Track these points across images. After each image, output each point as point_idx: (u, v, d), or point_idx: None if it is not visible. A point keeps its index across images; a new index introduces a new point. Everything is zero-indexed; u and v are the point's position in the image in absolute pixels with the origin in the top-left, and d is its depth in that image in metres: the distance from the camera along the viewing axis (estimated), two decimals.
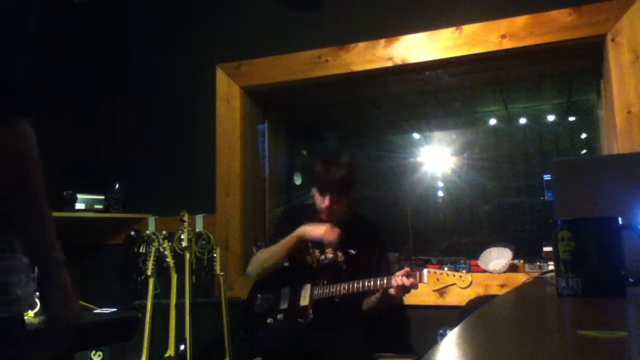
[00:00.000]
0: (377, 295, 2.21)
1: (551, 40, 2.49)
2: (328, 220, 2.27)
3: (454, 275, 2.06)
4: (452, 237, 4.25)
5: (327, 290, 2.19)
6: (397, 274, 2.06)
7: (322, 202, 2.25)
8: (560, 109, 4.05)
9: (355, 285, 2.11)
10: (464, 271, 2.09)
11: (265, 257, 2.37)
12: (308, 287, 2.25)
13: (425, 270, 2.10)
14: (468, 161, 4.32)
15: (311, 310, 2.18)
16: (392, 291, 2.05)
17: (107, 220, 3.12)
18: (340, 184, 2.22)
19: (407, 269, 2.08)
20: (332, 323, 2.20)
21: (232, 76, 3.05)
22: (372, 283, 2.09)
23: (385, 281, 2.06)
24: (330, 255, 2.31)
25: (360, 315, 2.27)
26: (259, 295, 2.38)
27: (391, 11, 2.80)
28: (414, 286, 2.05)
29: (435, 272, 2.08)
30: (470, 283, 2.05)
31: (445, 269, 2.13)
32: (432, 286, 2.08)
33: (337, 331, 2.18)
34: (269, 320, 2.28)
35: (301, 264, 2.32)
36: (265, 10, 3.05)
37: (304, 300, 2.22)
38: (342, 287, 2.15)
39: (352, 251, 2.29)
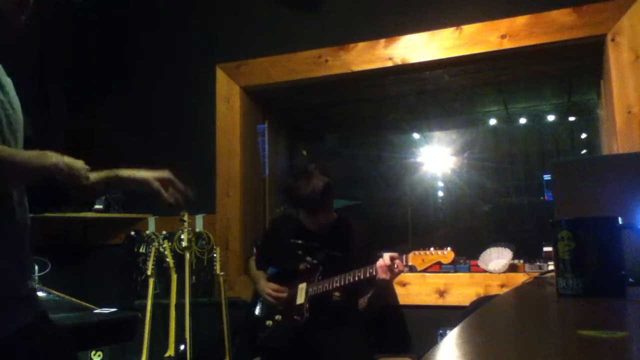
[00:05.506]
0: (371, 293, 2.22)
1: (551, 40, 2.49)
2: (316, 230, 2.30)
3: (437, 253, 2.08)
4: (445, 226, 4.26)
5: (321, 287, 2.21)
6: (383, 258, 2.08)
7: (312, 220, 2.28)
8: (560, 109, 4.05)
9: (348, 277, 2.14)
10: (448, 248, 2.10)
11: (250, 274, 2.57)
12: (303, 285, 2.27)
13: (410, 253, 2.11)
14: (468, 161, 4.32)
15: (307, 306, 2.20)
16: (380, 275, 2.06)
17: (107, 220, 3.12)
18: (324, 197, 2.22)
19: (392, 253, 2.10)
20: (329, 320, 2.21)
21: (232, 76, 3.05)
22: (362, 273, 2.12)
23: (373, 269, 2.09)
24: (321, 260, 2.33)
25: (358, 315, 2.28)
26: (259, 299, 2.41)
27: (391, 11, 2.80)
28: (399, 267, 2.06)
29: (419, 254, 2.10)
30: (454, 259, 2.10)
31: (431, 249, 2.13)
32: (419, 266, 2.10)
33: (335, 329, 2.19)
34: (268, 323, 2.30)
35: (295, 270, 2.34)
36: (265, 10, 3.05)
37: (300, 299, 2.24)
38: (335, 281, 2.17)
39: (340, 254, 2.30)
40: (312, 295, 2.22)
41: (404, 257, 2.10)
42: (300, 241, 2.35)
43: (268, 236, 2.66)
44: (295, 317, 2.22)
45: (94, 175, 1.13)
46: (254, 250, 2.73)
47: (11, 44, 1.10)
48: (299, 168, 2.47)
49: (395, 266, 2.05)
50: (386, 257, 2.07)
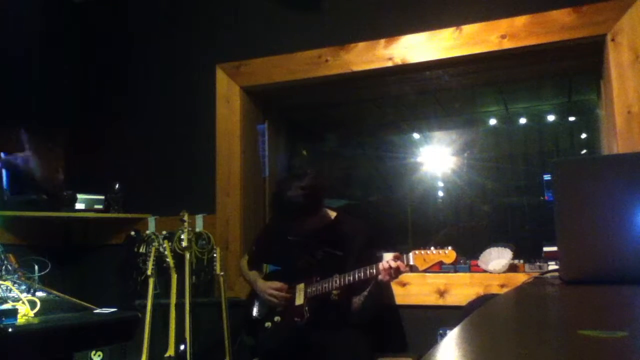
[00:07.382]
0: (366, 292, 2.19)
1: (551, 40, 2.49)
2: (302, 234, 2.28)
3: (439, 253, 2.06)
4: (446, 225, 4.24)
5: (320, 287, 2.19)
6: (386, 259, 2.06)
7: (289, 228, 2.25)
8: (560, 109, 4.05)
9: (347, 277, 2.11)
10: (449, 248, 2.08)
11: (244, 275, 2.56)
12: (302, 286, 2.26)
13: (411, 253, 2.10)
14: (468, 161, 4.32)
15: (307, 308, 2.19)
16: (381, 276, 2.04)
17: (107, 220, 3.12)
18: (300, 207, 2.16)
19: (396, 253, 2.08)
20: (329, 320, 2.20)
21: (232, 76, 3.05)
22: (362, 273, 2.09)
23: (374, 269, 2.06)
24: (320, 258, 2.31)
25: (353, 317, 2.26)
26: (256, 300, 2.40)
27: (391, 11, 2.80)
28: (401, 269, 2.05)
29: (421, 253, 2.08)
30: (456, 259, 2.08)
31: (432, 248, 2.10)
32: (420, 266, 2.08)
33: (335, 329, 2.18)
34: (267, 324, 2.29)
35: (293, 267, 2.32)
36: (265, 10, 3.05)
37: (299, 299, 2.23)
38: (334, 281, 2.15)
39: (340, 252, 2.28)
40: (311, 296, 2.21)
41: (404, 257, 2.09)
42: (298, 238, 2.33)
43: (266, 234, 2.63)
44: (295, 318, 2.21)
45: None
46: (253, 249, 2.72)
47: None
48: (284, 176, 2.45)
49: (397, 267, 2.04)
50: (389, 258, 2.05)
